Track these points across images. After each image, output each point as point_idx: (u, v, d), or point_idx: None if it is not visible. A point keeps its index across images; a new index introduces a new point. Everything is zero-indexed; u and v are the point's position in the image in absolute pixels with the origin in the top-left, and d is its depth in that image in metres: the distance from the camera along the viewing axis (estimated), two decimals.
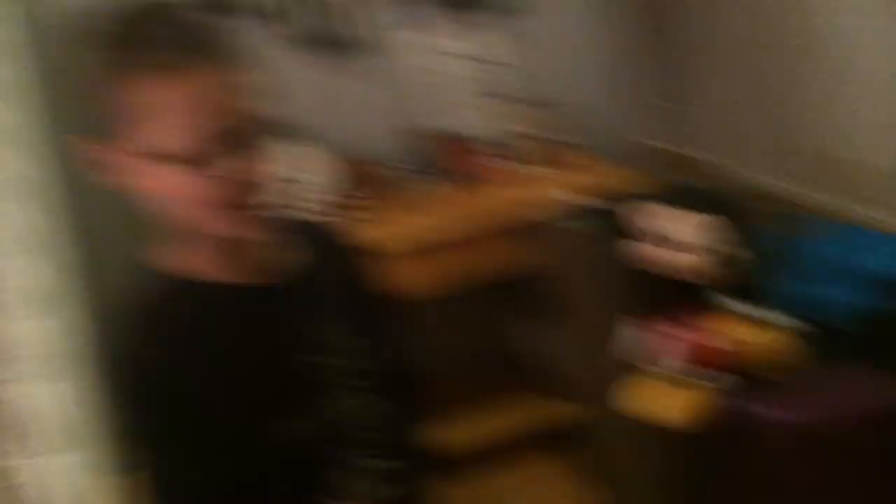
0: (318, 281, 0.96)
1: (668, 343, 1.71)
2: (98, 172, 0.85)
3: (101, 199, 0.88)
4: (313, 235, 1.03)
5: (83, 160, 0.85)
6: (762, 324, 1.69)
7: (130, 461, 0.89)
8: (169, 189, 0.82)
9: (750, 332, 1.68)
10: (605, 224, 1.93)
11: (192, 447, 0.86)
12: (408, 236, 2.12)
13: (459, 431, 2.20)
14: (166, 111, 0.79)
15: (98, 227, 1.86)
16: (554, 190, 2.17)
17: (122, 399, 0.88)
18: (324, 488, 0.92)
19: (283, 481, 0.90)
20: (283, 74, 2.24)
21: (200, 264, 0.88)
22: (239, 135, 0.82)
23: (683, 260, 1.78)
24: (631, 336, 1.77)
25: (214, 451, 0.86)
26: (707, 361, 1.65)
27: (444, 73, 2.47)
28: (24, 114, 1.79)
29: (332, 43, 2.39)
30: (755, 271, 1.78)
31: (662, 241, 1.81)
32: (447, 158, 2.42)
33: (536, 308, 2.31)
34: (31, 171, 1.74)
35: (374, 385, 0.97)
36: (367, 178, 2.36)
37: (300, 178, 2.21)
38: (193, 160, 0.80)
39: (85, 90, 0.83)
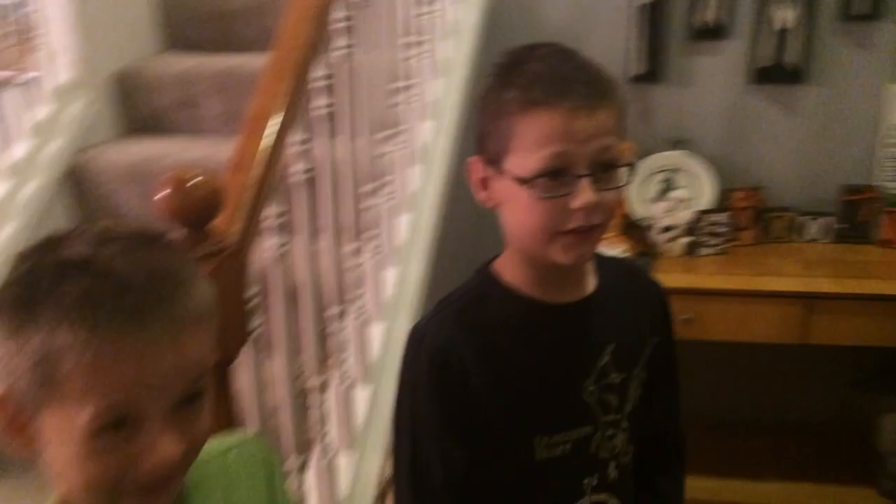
0: (613, 311, 0.99)
1: None
2: (476, 190, 0.94)
3: (468, 212, 0.93)
4: (618, 266, 1.06)
5: (470, 178, 0.94)
6: None
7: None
8: (525, 214, 0.88)
9: None
10: None
11: (460, 434, 0.93)
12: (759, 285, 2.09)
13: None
14: (547, 140, 0.84)
15: (456, 236, 1.99)
16: None
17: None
18: None
19: (532, 493, 0.95)
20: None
21: (526, 282, 0.95)
22: (607, 167, 0.86)
23: None
24: None
25: (479, 442, 0.93)
26: None
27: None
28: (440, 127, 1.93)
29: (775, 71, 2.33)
30: None
31: None
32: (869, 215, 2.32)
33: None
34: (430, 185, 1.89)
35: (632, 433, 1.00)
36: (746, 215, 2.31)
37: (674, 199, 2.22)
38: (558, 187, 0.85)
39: (483, 112, 0.91)
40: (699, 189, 2.39)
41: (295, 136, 1.33)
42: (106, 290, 0.60)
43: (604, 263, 1.01)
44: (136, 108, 2.39)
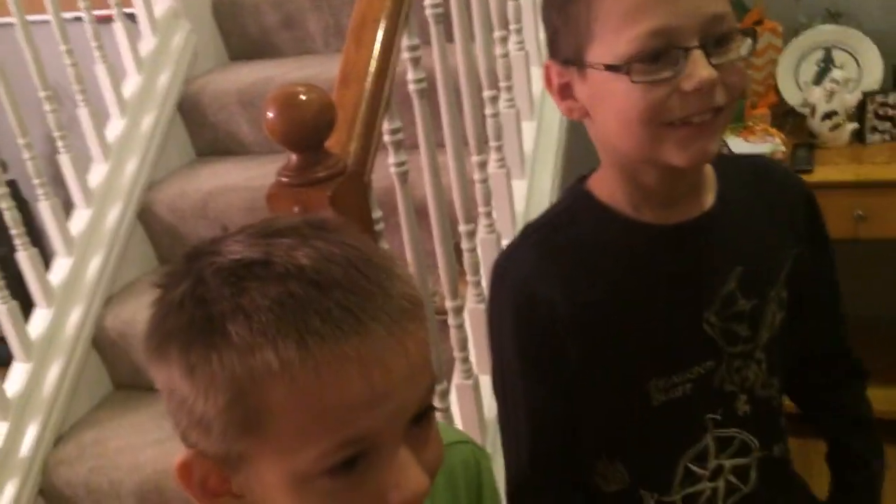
0: (738, 225, 0.81)
1: None
2: (557, 101, 0.77)
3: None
4: (743, 165, 0.88)
5: (548, 87, 0.78)
6: None
7: None
8: (623, 107, 0.70)
9: None
10: None
11: (547, 375, 0.81)
12: None
13: None
14: (639, 13, 0.67)
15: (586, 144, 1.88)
16: None
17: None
18: (691, 454, 0.83)
19: (647, 438, 0.82)
20: None
21: (626, 199, 0.78)
22: (722, 39, 0.69)
23: None
24: None
25: (579, 386, 0.80)
26: None
27: None
28: None
29: None
30: None
31: None
32: None
33: None
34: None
35: (773, 363, 0.83)
36: None
37: (835, 81, 1.98)
38: (661, 68, 0.67)
39: (550, 6, 0.75)
40: (864, 68, 2.07)
41: (405, 42, 1.19)
42: (306, 292, 0.45)
43: (726, 167, 0.82)
44: (237, 33, 2.34)
